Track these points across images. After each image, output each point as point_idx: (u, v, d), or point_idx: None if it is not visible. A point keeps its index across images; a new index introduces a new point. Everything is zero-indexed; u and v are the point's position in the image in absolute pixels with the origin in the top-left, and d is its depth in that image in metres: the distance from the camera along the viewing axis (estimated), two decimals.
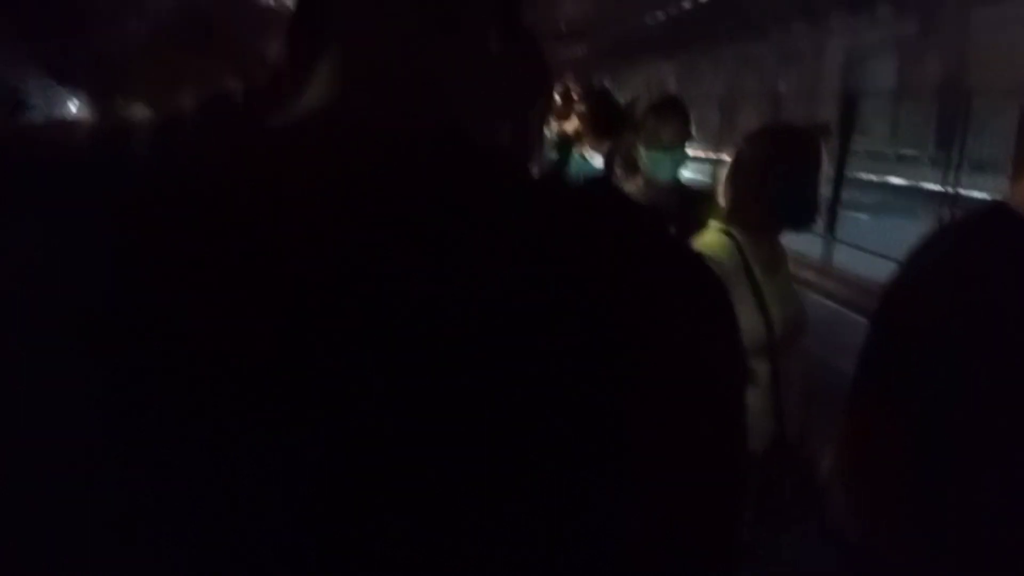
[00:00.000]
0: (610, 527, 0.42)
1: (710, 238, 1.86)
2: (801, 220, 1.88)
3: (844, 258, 6.65)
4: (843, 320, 5.84)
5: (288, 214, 0.45)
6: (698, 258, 0.51)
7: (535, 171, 0.57)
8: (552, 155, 3.53)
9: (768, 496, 1.73)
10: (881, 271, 6.42)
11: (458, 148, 0.50)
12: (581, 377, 0.42)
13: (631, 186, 2.44)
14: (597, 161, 3.20)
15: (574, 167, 3.42)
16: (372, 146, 0.49)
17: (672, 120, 2.24)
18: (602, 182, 0.65)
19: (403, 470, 0.41)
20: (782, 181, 1.78)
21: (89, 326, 0.42)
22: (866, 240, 6.84)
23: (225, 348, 0.42)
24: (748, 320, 1.74)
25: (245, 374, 0.41)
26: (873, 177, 12.19)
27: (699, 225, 2.19)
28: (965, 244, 1.04)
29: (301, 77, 0.55)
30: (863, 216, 6.51)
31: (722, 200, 1.89)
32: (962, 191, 7.30)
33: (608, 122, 3.30)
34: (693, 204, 2.30)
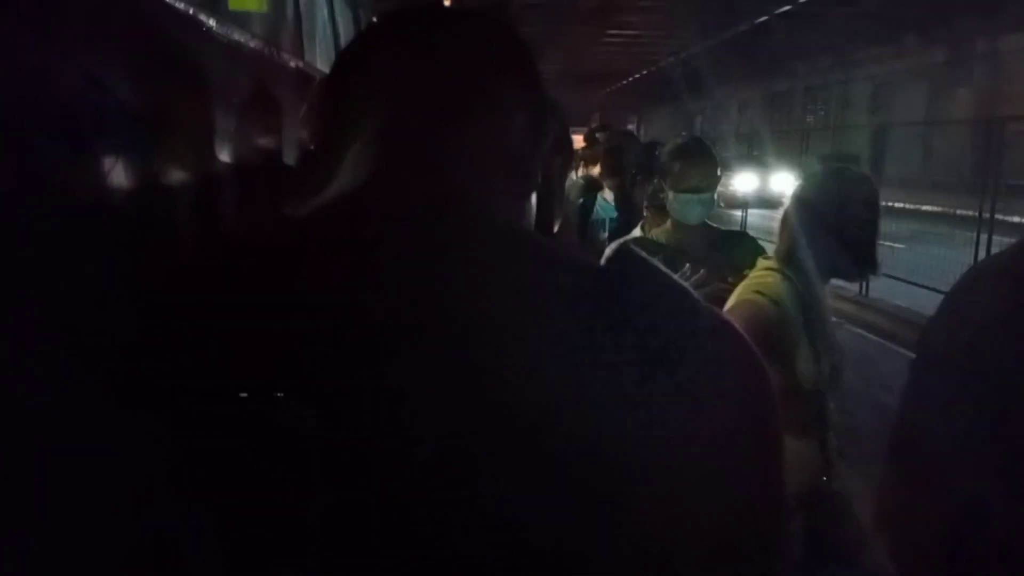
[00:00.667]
0: None
1: (772, 281, 1.77)
2: (865, 269, 1.83)
3: (883, 288, 6.57)
4: (883, 352, 5.77)
5: (337, 286, 0.48)
6: (729, 328, 0.51)
7: (559, 225, 0.59)
8: (577, 198, 3.54)
9: (813, 539, 1.70)
10: (919, 301, 6.35)
11: (484, 226, 0.53)
12: (623, 455, 0.43)
13: (658, 229, 2.45)
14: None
15: (599, 211, 3.43)
16: (403, 225, 0.51)
17: (699, 163, 2.24)
18: (626, 254, 0.65)
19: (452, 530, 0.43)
20: (850, 227, 1.74)
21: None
22: (903, 270, 6.76)
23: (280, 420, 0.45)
24: (804, 364, 1.70)
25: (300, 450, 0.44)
26: (907, 205, 12.06)
27: (729, 268, 2.17)
28: (1007, 280, 1.02)
29: (332, 162, 0.58)
30: (899, 245, 6.46)
31: (779, 242, 1.83)
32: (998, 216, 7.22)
33: (627, 165, 3.32)
34: (722, 246, 2.29)
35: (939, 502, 1.06)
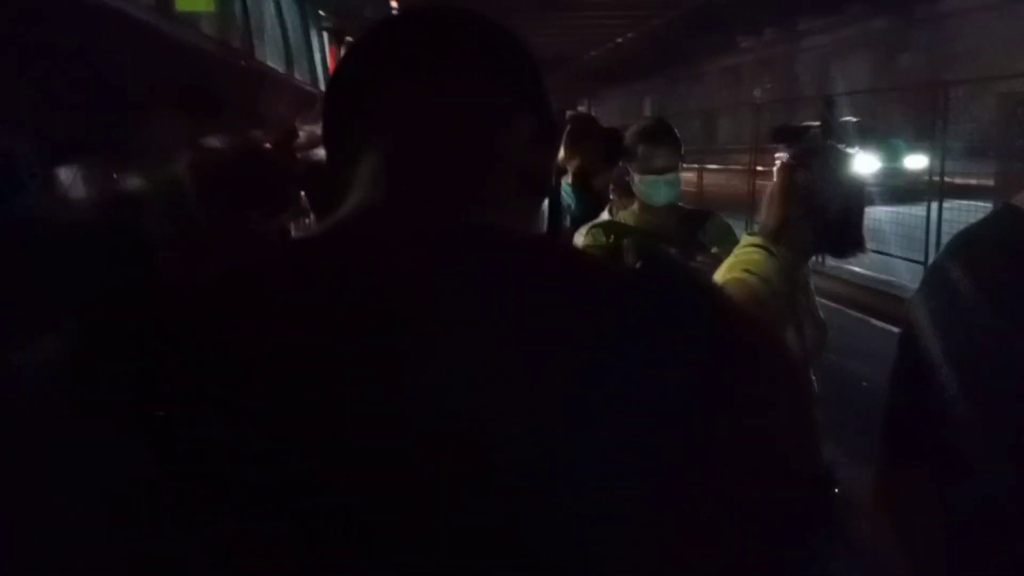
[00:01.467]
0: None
1: (758, 259, 1.77)
2: (848, 248, 1.83)
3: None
4: (841, 319, 5.85)
5: (357, 304, 0.46)
6: (768, 332, 0.51)
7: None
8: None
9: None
10: (877, 266, 6.44)
11: (502, 241, 0.52)
12: (663, 464, 0.43)
13: (626, 211, 2.45)
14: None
15: (565, 198, 3.42)
16: (420, 242, 0.50)
17: (663, 145, 2.25)
18: (658, 260, 0.65)
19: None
20: (835, 205, 1.74)
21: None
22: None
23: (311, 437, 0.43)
24: (790, 339, 1.70)
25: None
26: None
27: (698, 247, 2.19)
28: (993, 251, 1.03)
29: (344, 180, 0.57)
30: None
31: (766, 218, 1.83)
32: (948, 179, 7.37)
33: (588, 151, 3.30)
34: (691, 226, 2.31)
35: (939, 477, 1.07)
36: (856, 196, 1.80)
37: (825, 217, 1.75)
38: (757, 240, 1.81)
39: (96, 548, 0.43)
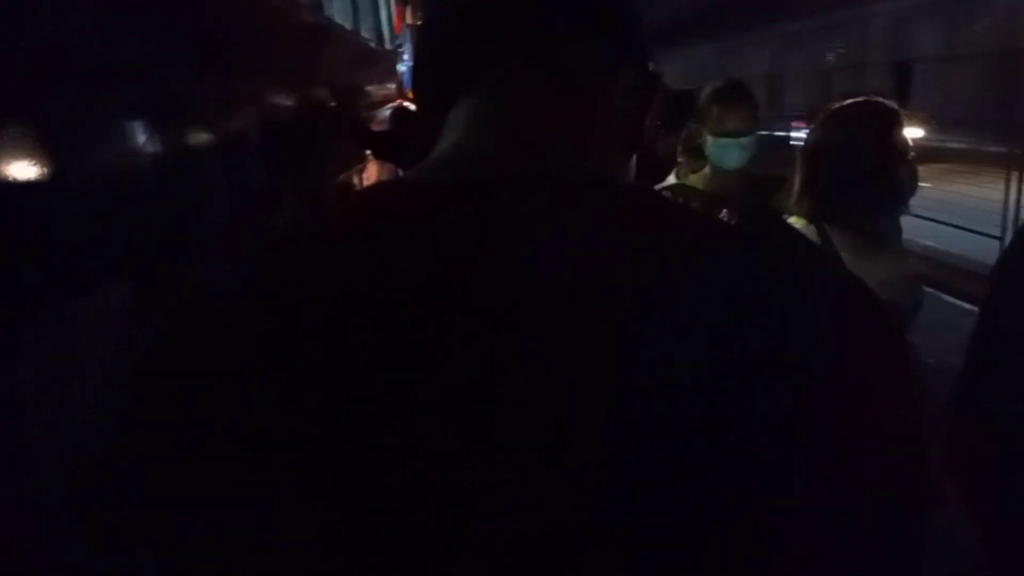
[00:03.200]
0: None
1: (793, 223, 1.79)
2: (885, 204, 1.78)
3: (911, 228, 6.47)
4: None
5: (455, 250, 0.46)
6: (876, 304, 0.49)
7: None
8: None
9: None
10: (949, 241, 6.25)
11: (601, 187, 0.51)
12: (771, 422, 0.41)
13: (695, 175, 2.41)
14: None
15: None
16: (515, 188, 0.49)
17: (739, 106, 2.20)
18: (770, 219, 0.64)
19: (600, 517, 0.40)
20: (859, 162, 1.70)
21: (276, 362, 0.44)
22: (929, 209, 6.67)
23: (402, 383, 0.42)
24: None
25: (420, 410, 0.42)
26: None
27: (771, 213, 2.13)
28: None
29: (433, 125, 0.56)
30: (925, 184, 6.33)
31: (798, 187, 1.81)
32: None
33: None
34: (762, 191, 2.25)
35: (1011, 445, 1.04)
36: (888, 149, 1.73)
37: (835, 178, 1.70)
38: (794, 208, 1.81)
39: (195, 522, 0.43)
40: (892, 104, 1.81)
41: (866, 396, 0.44)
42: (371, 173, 4.61)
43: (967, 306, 5.03)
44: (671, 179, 2.61)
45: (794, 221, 1.79)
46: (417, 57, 0.61)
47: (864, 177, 1.71)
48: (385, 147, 3.87)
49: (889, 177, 1.73)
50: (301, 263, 0.47)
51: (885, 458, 0.44)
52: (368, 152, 4.19)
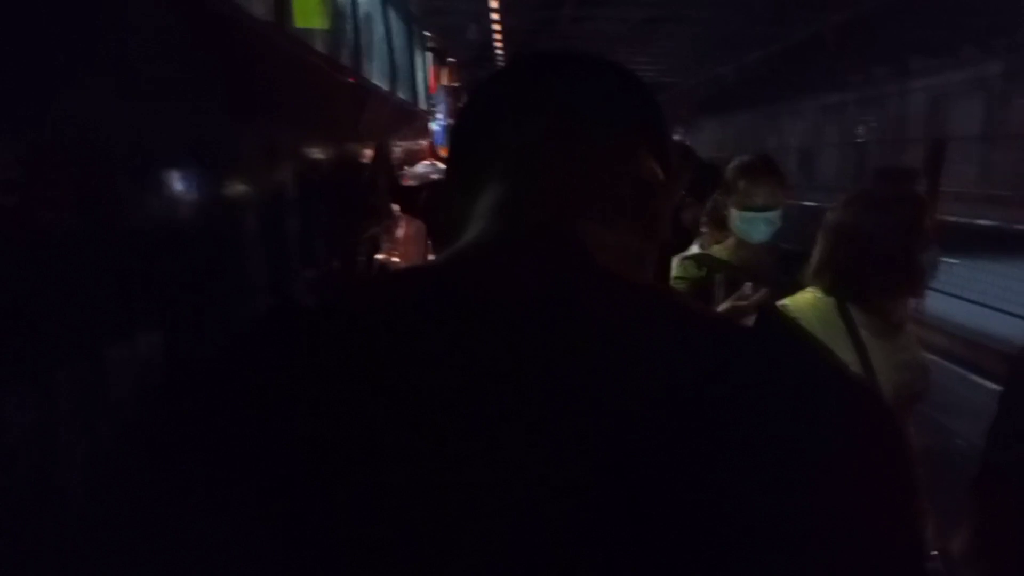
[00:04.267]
0: None
1: (801, 300, 1.80)
2: (908, 288, 1.78)
3: (939, 306, 6.40)
4: (943, 373, 5.63)
5: (479, 332, 0.47)
6: (882, 410, 0.50)
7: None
8: None
9: None
10: (976, 319, 6.16)
11: (623, 288, 0.52)
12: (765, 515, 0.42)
13: (719, 245, 2.42)
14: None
15: None
16: (539, 276, 0.51)
17: (766, 181, 2.21)
18: (773, 318, 0.64)
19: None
20: (882, 248, 1.71)
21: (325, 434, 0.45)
22: (959, 287, 6.60)
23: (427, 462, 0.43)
24: None
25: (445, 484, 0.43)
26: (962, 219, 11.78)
27: (793, 288, 2.15)
28: None
29: (465, 211, 0.59)
30: (954, 260, 6.26)
31: (817, 263, 1.81)
32: None
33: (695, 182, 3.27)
34: (787, 266, 2.26)
35: None
36: (914, 234, 1.74)
37: (869, 260, 1.71)
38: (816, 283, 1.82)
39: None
40: (921, 191, 1.83)
41: (867, 501, 0.45)
42: (400, 228, 4.68)
43: (992, 386, 4.97)
44: (695, 248, 2.63)
45: (812, 292, 1.79)
46: (450, 150, 0.64)
47: (882, 264, 1.71)
48: (415, 203, 3.94)
49: (909, 265, 1.73)
50: (331, 335, 0.49)
51: (879, 561, 0.44)
52: (397, 207, 4.26)
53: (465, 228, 0.58)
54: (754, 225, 2.21)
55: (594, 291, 0.51)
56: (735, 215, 2.24)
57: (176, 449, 0.47)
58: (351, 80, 3.67)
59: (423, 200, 3.84)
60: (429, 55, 7.84)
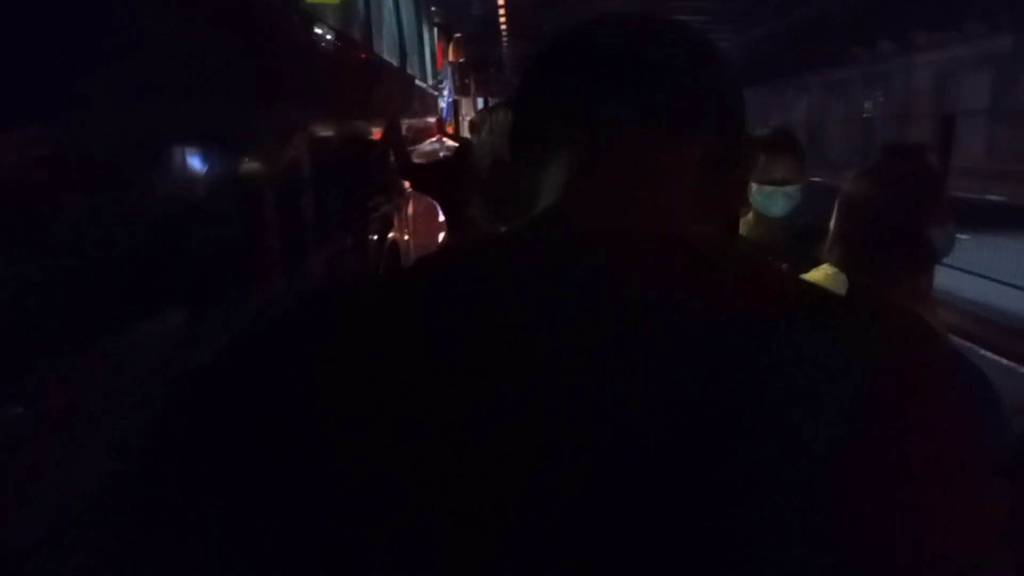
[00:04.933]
0: None
1: (816, 275, 1.79)
2: (922, 259, 1.77)
3: (948, 282, 6.38)
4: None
5: (544, 305, 0.47)
6: (971, 370, 0.50)
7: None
8: None
9: None
10: (987, 294, 6.15)
11: (686, 251, 0.52)
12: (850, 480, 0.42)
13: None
14: None
15: None
16: (607, 247, 0.51)
17: (786, 155, 2.19)
18: (863, 286, 0.65)
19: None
20: (891, 222, 1.69)
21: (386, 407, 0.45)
22: (968, 261, 6.58)
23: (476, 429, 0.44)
24: None
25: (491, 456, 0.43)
26: (971, 195, 11.73)
27: (811, 263, 2.13)
28: None
29: (531, 183, 0.59)
30: (963, 236, 6.23)
31: (830, 238, 1.80)
32: None
33: None
34: (807, 242, 2.24)
35: None
36: (927, 205, 1.72)
37: (885, 230, 1.69)
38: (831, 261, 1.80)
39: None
40: (935, 164, 1.80)
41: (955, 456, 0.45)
42: (411, 205, 4.67)
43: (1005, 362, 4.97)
44: None
45: (826, 268, 1.78)
46: (514, 124, 0.63)
47: (893, 238, 1.70)
48: (425, 180, 3.93)
49: (921, 239, 1.71)
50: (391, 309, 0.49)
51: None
52: (408, 184, 4.25)
53: (533, 202, 0.57)
54: (773, 199, 2.19)
55: (657, 272, 0.50)
56: (754, 189, 2.21)
57: (191, 450, 0.48)
58: (362, 55, 3.64)
59: (436, 178, 3.83)
60: (435, 30, 7.79)
